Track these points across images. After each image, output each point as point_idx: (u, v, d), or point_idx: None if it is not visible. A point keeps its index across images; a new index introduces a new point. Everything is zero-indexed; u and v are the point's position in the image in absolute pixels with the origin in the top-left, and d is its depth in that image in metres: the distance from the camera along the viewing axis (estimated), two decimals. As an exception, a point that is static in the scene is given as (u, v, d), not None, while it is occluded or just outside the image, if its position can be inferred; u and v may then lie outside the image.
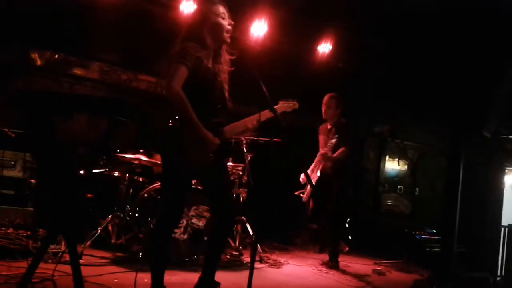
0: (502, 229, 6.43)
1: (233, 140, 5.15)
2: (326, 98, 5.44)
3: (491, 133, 6.49)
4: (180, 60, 2.94)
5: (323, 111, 5.44)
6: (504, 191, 6.75)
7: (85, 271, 3.25)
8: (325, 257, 5.51)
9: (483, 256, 6.27)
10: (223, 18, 3.19)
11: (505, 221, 6.51)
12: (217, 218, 3.43)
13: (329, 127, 5.46)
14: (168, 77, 2.90)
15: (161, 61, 3.20)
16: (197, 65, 3.02)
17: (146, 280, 3.33)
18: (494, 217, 6.38)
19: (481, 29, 5.78)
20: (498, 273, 6.29)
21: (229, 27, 3.20)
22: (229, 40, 3.23)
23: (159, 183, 4.67)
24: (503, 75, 6.22)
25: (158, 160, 4.65)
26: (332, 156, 5.22)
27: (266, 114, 3.34)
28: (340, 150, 5.22)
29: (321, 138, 5.55)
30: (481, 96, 6.20)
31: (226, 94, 3.32)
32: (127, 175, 4.83)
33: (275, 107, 3.37)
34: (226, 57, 3.31)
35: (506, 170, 6.89)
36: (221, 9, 3.20)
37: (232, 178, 5.38)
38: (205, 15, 3.18)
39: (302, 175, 5.31)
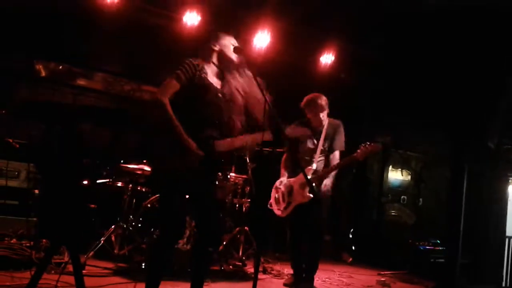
0: (507, 239, 6.39)
1: (235, 154, 5.13)
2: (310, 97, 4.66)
3: (495, 143, 6.47)
4: (173, 74, 3.12)
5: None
6: (508, 201, 6.72)
7: (88, 281, 3.24)
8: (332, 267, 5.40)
9: (488, 267, 6.22)
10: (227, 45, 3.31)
11: (509, 232, 6.47)
12: (199, 236, 3.44)
13: (316, 126, 4.64)
14: (159, 88, 3.13)
15: (164, 72, 3.26)
16: (192, 78, 3.14)
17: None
18: (498, 227, 6.33)
19: (485, 37, 5.79)
20: (503, 285, 6.24)
21: (233, 46, 3.28)
22: (236, 59, 3.30)
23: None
24: (505, 85, 6.22)
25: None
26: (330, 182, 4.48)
27: (268, 136, 3.34)
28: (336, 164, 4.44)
29: (306, 141, 4.64)
30: (484, 106, 6.20)
31: (234, 114, 3.28)
32: (130, 185, 4.83)
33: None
34: (239, 78, 3.33)
35: (510, 180, 6.86)
36: (227, 38, 3.33)
37: (234, 189, 5.39)
38: (212, 37, 3.35)
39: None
